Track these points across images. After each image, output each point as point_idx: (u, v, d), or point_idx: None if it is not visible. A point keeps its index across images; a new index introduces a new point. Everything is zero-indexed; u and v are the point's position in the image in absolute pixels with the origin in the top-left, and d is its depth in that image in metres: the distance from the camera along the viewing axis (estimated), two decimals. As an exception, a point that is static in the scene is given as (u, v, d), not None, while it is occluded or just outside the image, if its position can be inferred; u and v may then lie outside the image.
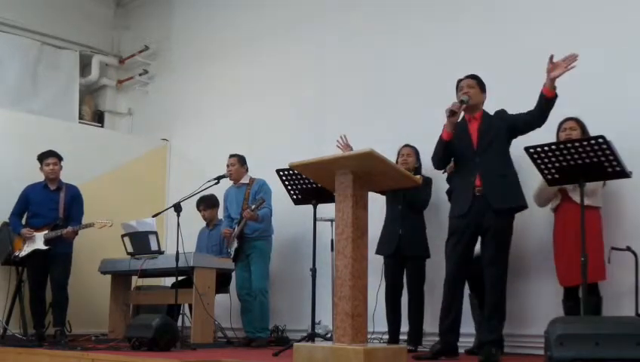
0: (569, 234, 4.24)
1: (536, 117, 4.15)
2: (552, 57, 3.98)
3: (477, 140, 4.33)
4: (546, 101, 4.06)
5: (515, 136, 4.35)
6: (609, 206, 4.48)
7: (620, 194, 4.52)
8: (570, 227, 4.19)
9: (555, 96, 4.04)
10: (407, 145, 5.28)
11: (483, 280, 4.45)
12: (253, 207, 5.79)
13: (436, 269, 4.90)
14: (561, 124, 4.48)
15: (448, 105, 4.27)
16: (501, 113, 4.38)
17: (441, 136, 4.38)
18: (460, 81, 4.48)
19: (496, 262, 4.20)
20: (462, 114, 4.40)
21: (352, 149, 5.07)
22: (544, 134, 4.32)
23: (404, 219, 5.13)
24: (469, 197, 4.26)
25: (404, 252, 5.10)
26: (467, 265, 4.33)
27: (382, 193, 5.12)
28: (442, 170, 4.82)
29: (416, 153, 5.26)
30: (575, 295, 4.21)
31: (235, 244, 6.00)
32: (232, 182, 6.24)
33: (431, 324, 4.94)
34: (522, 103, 5.08)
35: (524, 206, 4.32)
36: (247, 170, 6.27)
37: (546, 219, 4.67)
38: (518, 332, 4.82)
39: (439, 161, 4.53)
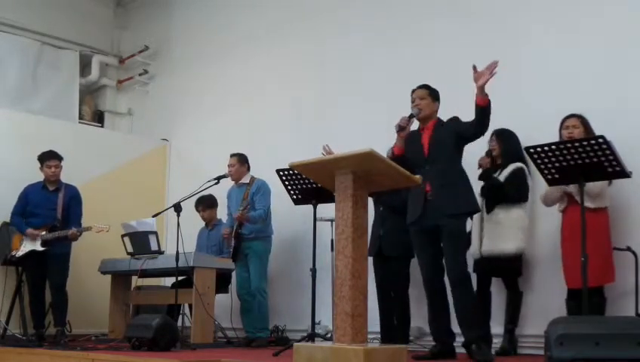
0: (575, 236, 4.17)
1: (476, 126, 4.19)
2: (474, 67, 4.02)
3: (427, 149, 4.40)
4: (480, 110, 4.09)
5: (463, 144, 4.37)
6: (611, 205, 4.46)
7: (622, 194, 4.51)
8: (577, 229, 4.12)
9: (488, 103, 4.06)
10: None
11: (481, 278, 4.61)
12: (241, 208, 5.81)
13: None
14: (563, 121, 4.48)
15: (397, 120, 4.35)
16: (453, 120, 4.41)
17: (392, 150, 4.50)
18: (413, 91, 4.52)
19: (456, 263, 4.23)
20: (417, 124, 4.48)
21: None
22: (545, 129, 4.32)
23: (384, 220, 5.19)
24: (421, 204, 4.34)
25: (385, 252, 5.14)
26: (439, 266, 4.35)
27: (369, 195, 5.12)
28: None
29: None
30: (579, 295, 4.20)
31: (232, 243, 6.01)
32: (234, 182, 6.25)
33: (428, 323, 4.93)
34: (521, 103, 5.10)
35: (473, 211, 4.40)
36: (248, 168, 6.27)
37: (552, 219, 4.66)
38: (525, 332, 4.83)
39: None
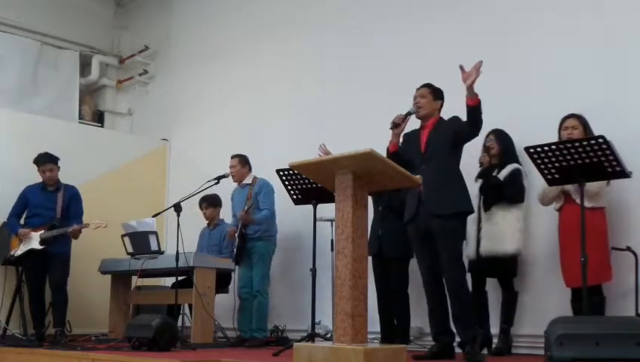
0: (573, 235, 4.19)
1: (469, 126, 4.18)
2: (462, 67, 4.01)
3: (424, 147, 4.38)
4: (471, 109, 4.08)
5: (460, 144, 4.36)
6: (610, 206, 4.46)
7: (621, 194, 4.51)
8: (574, 228, 4.14)
9: (479, 103, 4.05)
10: None
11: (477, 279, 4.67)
12: (245, 208, 5.81)
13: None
14: (562, 122, 4.47)
15: (392, 117, 4.33)
16: (453, 120, 4.39)
17: (387, 148, 4.46)
18: (417, 90, 4.51)
19: (451, 264, 4.22)
20: (419, 122, 4.47)
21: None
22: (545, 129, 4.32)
23: (383, 220, 5.18)
24: (415, 203, 4.34)
25: (385, 252, 5.13)
26: (435, 267, 4.32)
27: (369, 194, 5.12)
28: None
29: None
30: (580, 295, 4.20)
31: (236, 243, 6.01)
32: (236, 183, 6.26)
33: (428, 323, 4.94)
34: (521, 103, 5.10)
35: (465, 211, 4.34)
36: (250, 169, 6.28)
37: (550, 219, 4.66)
38: (521, 332, 4.82)
39: None
